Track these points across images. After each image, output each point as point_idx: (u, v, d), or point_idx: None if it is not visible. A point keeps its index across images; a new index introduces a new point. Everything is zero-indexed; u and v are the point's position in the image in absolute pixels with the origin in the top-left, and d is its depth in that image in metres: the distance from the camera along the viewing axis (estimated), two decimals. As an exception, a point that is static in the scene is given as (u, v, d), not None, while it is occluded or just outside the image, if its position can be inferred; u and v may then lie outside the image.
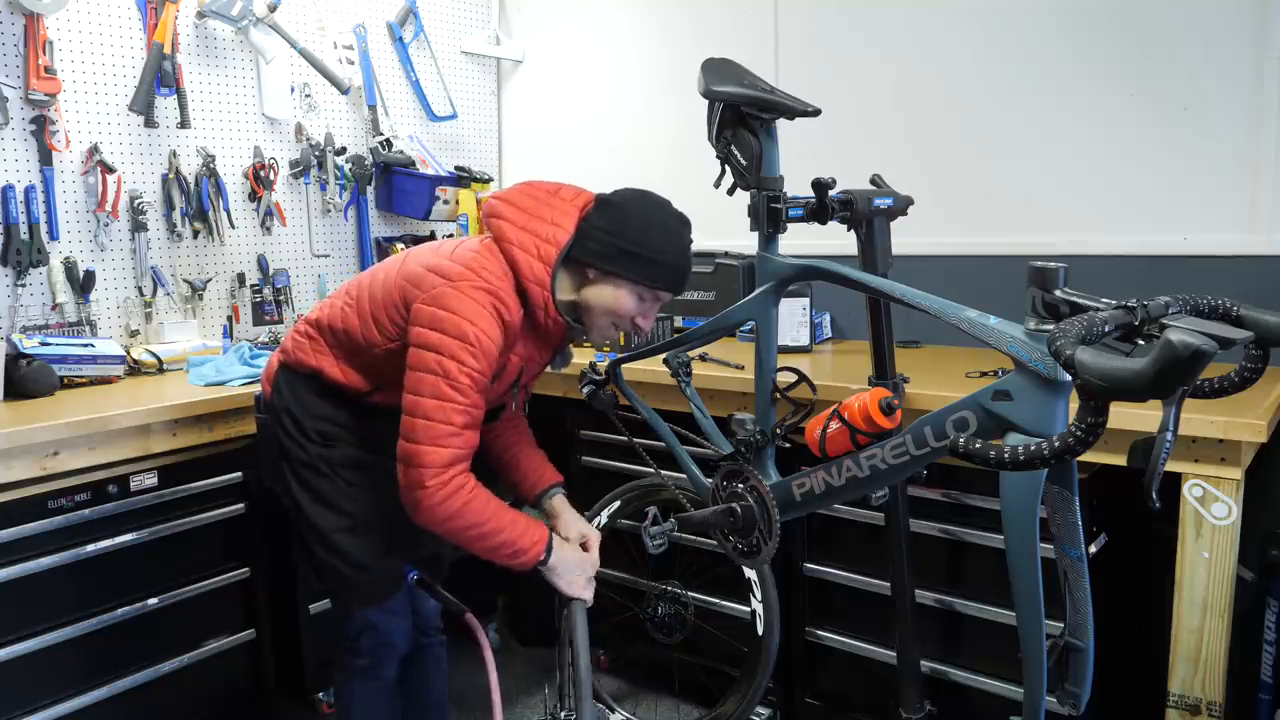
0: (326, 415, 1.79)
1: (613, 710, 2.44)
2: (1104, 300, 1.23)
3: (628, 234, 1.65)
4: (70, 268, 2.45)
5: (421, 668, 2.04)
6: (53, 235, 2.42)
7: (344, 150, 3.07)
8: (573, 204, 1.71)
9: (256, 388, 1.97)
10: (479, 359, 1.58)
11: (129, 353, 2.47)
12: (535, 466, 1.97)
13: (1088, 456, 1.14)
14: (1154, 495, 1.08)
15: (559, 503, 1.93)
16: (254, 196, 2.86)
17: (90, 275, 2.48)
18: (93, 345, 2.35)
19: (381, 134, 3.13)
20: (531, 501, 1.97)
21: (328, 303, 1.84)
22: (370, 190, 3.15)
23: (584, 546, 1.87)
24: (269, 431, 1.85)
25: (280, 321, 2.92)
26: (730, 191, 1.81)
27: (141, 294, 2.62)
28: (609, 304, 1.69)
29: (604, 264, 1.66)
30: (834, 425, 1.54)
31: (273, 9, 2.76)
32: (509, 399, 1.89)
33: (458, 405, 1.57)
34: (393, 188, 3.16)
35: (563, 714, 1.92)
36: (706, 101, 1.79)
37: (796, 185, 1.77)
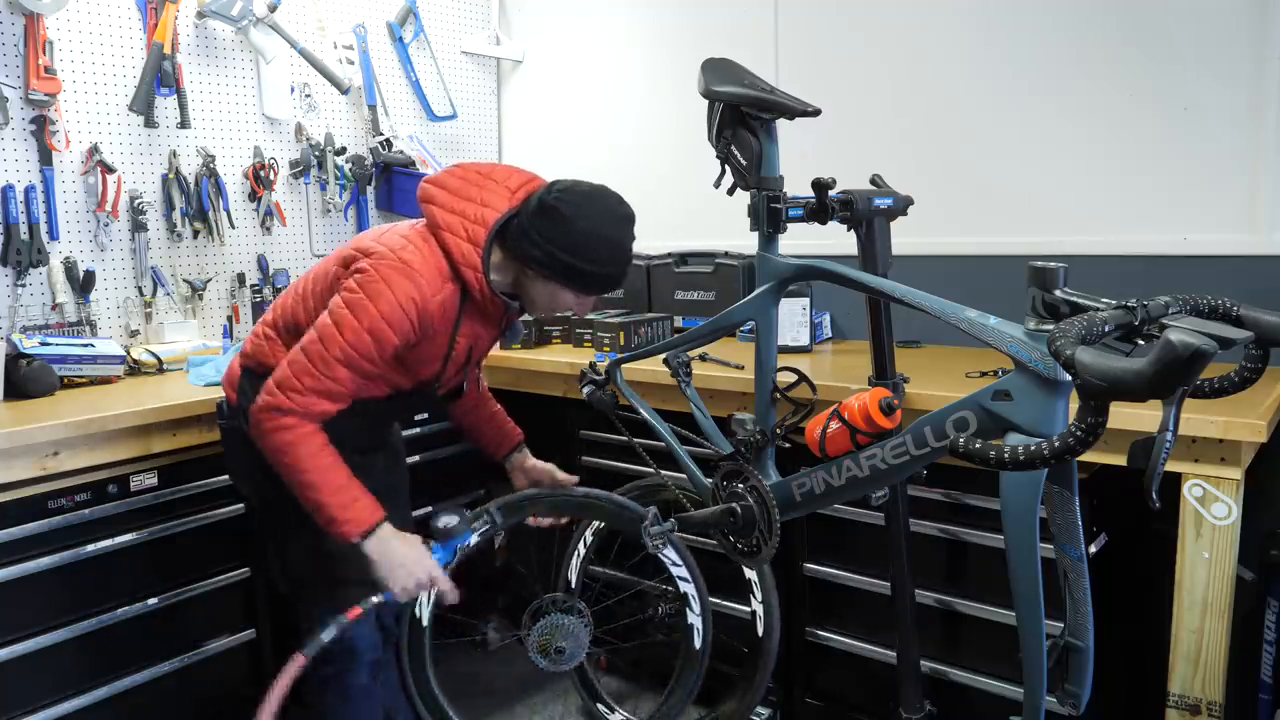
0: None
1: (612, 710, 2.44)
2: (1104, 300, 1.23)
3: (569, 247, 1.66)
4: (70, 268, 2.45)
5: (391, 674, 2.07)
6: (53, 235, 2.42)
7: (344, 150, 3.07)
8: (504, 185, 1.73)
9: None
10: (360, 338, 1.61)
11: (129, 353, 2.47)
12: (494, 430, 2.11)
13: (1088, 456, 1.14)
14: (1154, 495, 1.08)
15: (518, 459, 2.11)
16: (254, 196, 2.86)
17: (90, 275, 2.48)
18: (93, 345, 2.35)
19: (381, 134, 3.14)
20: (499, 461, 2.12)
21: (279, 301, 1.87)
22: (370, 190, 3.16)
23: (553, 480, 2.07)
24: (236, 435, 1.84)
25: (280, 321, 2.91)
26: (730, 191, 1.81)
27: (141, 294, 2.62)
28: (546, 300, 1.76)
29: (543, 270, 1.69)
30: (834, 425, 1.54)
31: (273, 9, 2.76)
32: (463, 380, 1.95)
33: (314, 371, 1.63)
34: (393, 188, 3.16)
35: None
36: (706, 101, 1.80)
37: (796, 185, 1.77)
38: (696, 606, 2.19)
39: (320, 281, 1.77)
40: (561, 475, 2.12)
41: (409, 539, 1.75)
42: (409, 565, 1.71)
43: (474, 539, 1.94)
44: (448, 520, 1.83)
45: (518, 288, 1.76)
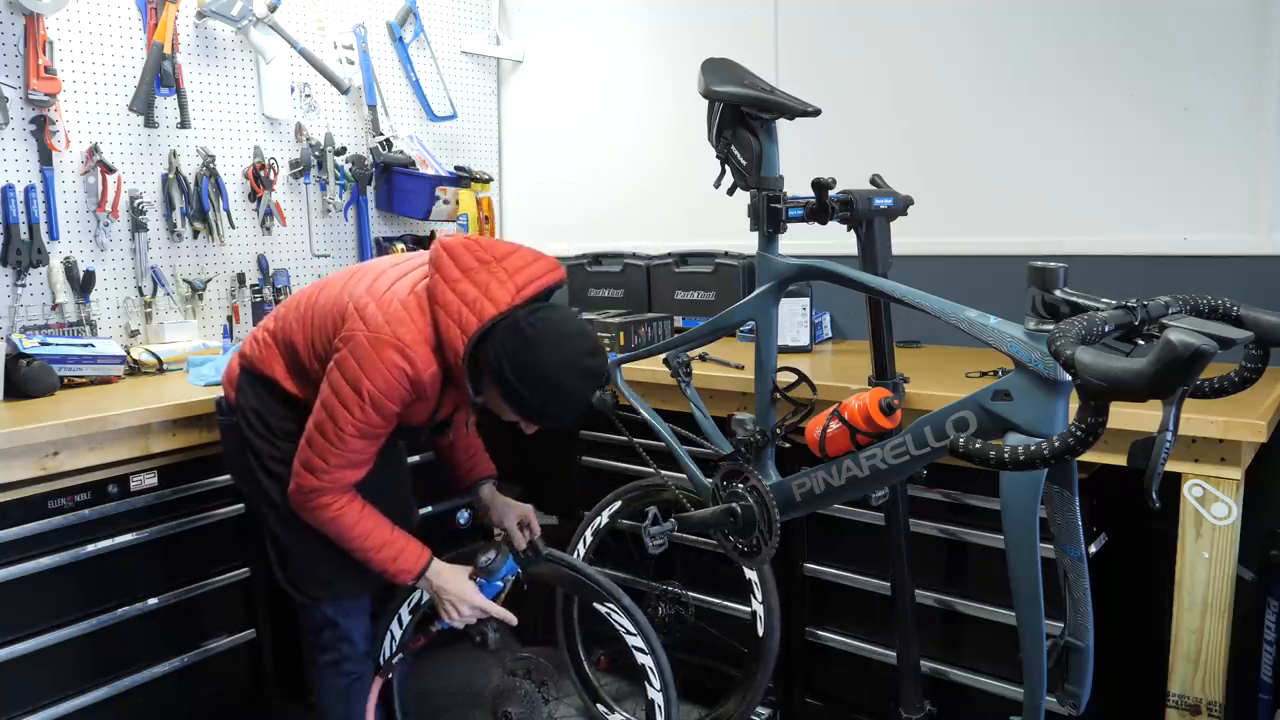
0: (290, 416, 1.84)
1: (612, 710, 2.44)
2: (1104, 300, 1.23)
3: (519, 375, 1.63)
4: (70, 268, 2.45)
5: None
6: (53, 235, 2.42)
7: (344, 150, 3.07)
8: (513, 279, 1.68)
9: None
10: (367, 412, 1.66)
11: (129, 353, 2.47)
12: (464, 461, 2.11)
13: (1088, 456, 1.14)
14: (1154, 495, 1.08)
15: (487, 492, 2.10)
16: (254, 196, 2.86)
17: (90, 275, 2.48)
18: (93, 345, 2.35)
19: (381, 134, 3.14)
20: (461, 493, 2.13)
21: (283, 312, 1.89)
22: (370, 190, 3.15)
23: (524, 523, 2.05)
24: (235, 432, 1.90)
25: (280, 321, 2.91)
26: (730, 191, 1.81)
27: (141, 294, 2.62)
28: (494, 403, 1.74)
29: (494, 380, 1.67)
30: (834, 425, 1.54)
31: (273, 9, 2.76)
32: (463, 414, 2.01)
33: (334, 449, 1.69)
34: (393, 188, 3.16)
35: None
36: (706, 101, 1.80)
37: (796, 185, 1.77)
38: (656, 681, 1.96)
39: (320, 317, 1.77)
40: (534, 522, 2.09)
41: (458, 573, 1.89)
42: (457, 600, 1.86)
43: (517, 568, 1.98)
44: (487, 558, 1.93)
45: (479, 385, 1.74)
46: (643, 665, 1.96)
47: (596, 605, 1.99)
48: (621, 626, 1.96)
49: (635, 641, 1.95)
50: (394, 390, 1.66)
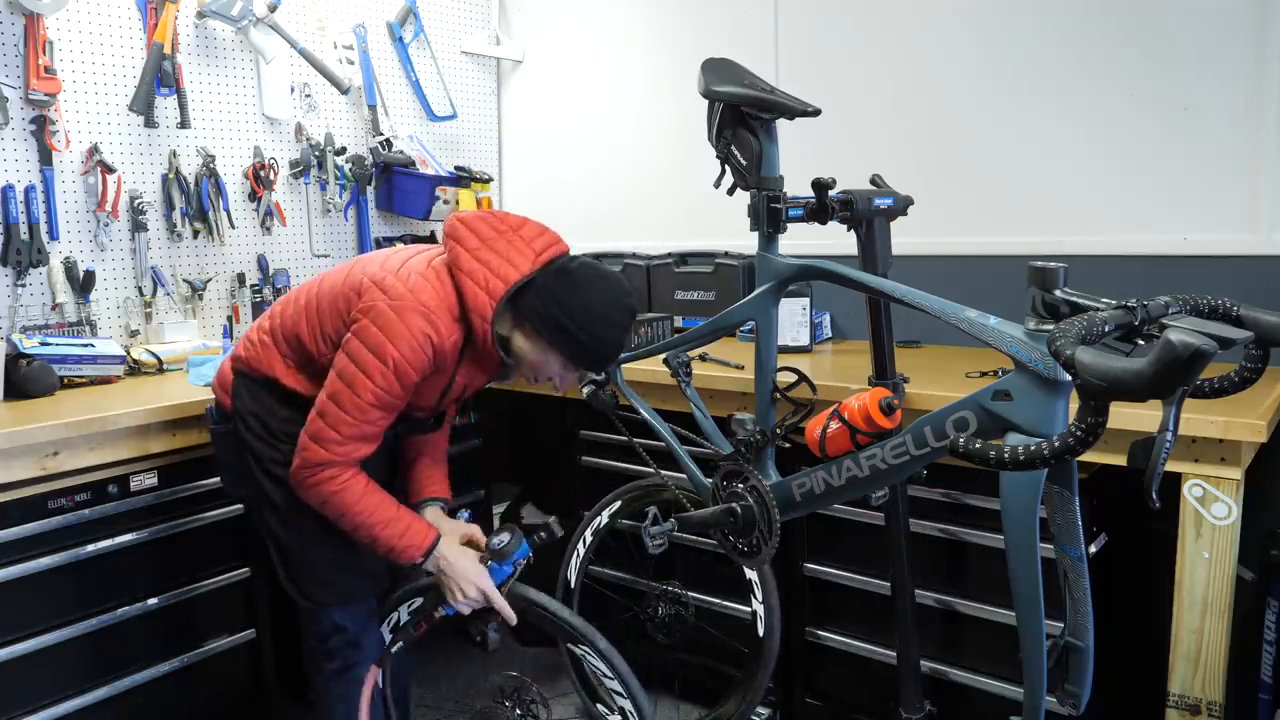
0: (289, 417, 1.81)
1: (611, 710, 2.44)
2: (1104, 300, 1.23)
3: (570, 313, 1.67)
4: (70, 268, 2.45)
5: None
6: (53, 235, 2.42)
7: (344, 150, 3.07)
8: (530, 246, 1.72)
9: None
10: (389, 380, 1.65)
11: (129, 353, 2.47)
12: (420, 478, 2.02)
13: (1088, 456, 1.14)
14: (1154, 495, 1.08)
15: (431, 515, 1.96)
16: (254, 196, 2.86)
17: (90, 275, 2.48)
18: (93, 345, 2.35)
19: (381, 134, 3.14)
20: (412, 504, 1.98)
21: (279, 309, 1.88)
22: (370, 190, 3.16)
23: (471, 542, 1.91)
24: (231, 438, 1.87)
25: (280, 321, 2.91)
26: (730, 191, 1.81)
27: (141, 294, 2.62)
28: (533, 360, 1.74)
29: (540, 327, 1.69)
30: (834, 425, 1.54)
31: (273, 9, 2.76)
32: (452, 410, 2.00)
33: (349, 419, 1.66)
34: (393, 188, 3.16)
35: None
36: (706, 101, 1.80)
37: (796, 185, 1.77)
38: None
39: (328, 300, 1.76)
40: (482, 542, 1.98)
41: (467, 554, 1.82)
42: (463, 580, 1.79)
43: (530, 552, 1.89)
44: (500, 539, 1.86)
45: (509, 345, 1.75)
46: (622, 709, 1.88)
47: (571, 647, 1.92)
48: (598, 670, 1.89)
49: (614, 685, 1.87)
50: (418, 357, 1.65)
